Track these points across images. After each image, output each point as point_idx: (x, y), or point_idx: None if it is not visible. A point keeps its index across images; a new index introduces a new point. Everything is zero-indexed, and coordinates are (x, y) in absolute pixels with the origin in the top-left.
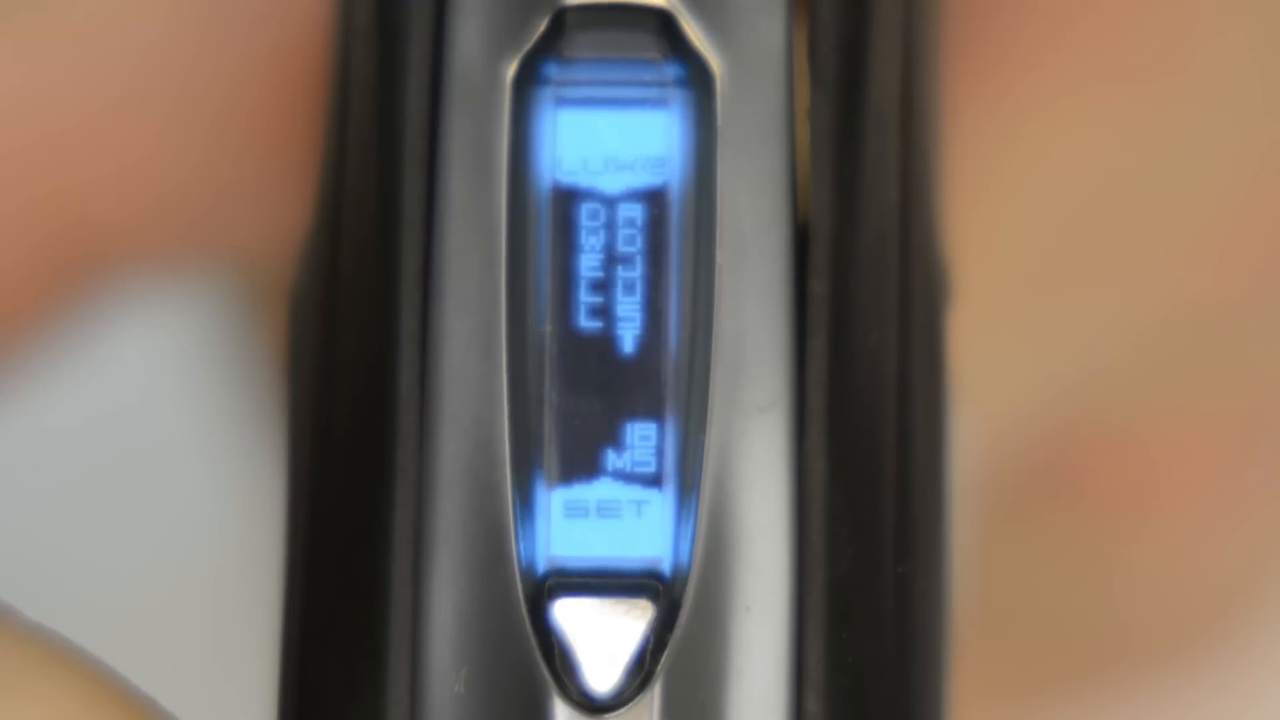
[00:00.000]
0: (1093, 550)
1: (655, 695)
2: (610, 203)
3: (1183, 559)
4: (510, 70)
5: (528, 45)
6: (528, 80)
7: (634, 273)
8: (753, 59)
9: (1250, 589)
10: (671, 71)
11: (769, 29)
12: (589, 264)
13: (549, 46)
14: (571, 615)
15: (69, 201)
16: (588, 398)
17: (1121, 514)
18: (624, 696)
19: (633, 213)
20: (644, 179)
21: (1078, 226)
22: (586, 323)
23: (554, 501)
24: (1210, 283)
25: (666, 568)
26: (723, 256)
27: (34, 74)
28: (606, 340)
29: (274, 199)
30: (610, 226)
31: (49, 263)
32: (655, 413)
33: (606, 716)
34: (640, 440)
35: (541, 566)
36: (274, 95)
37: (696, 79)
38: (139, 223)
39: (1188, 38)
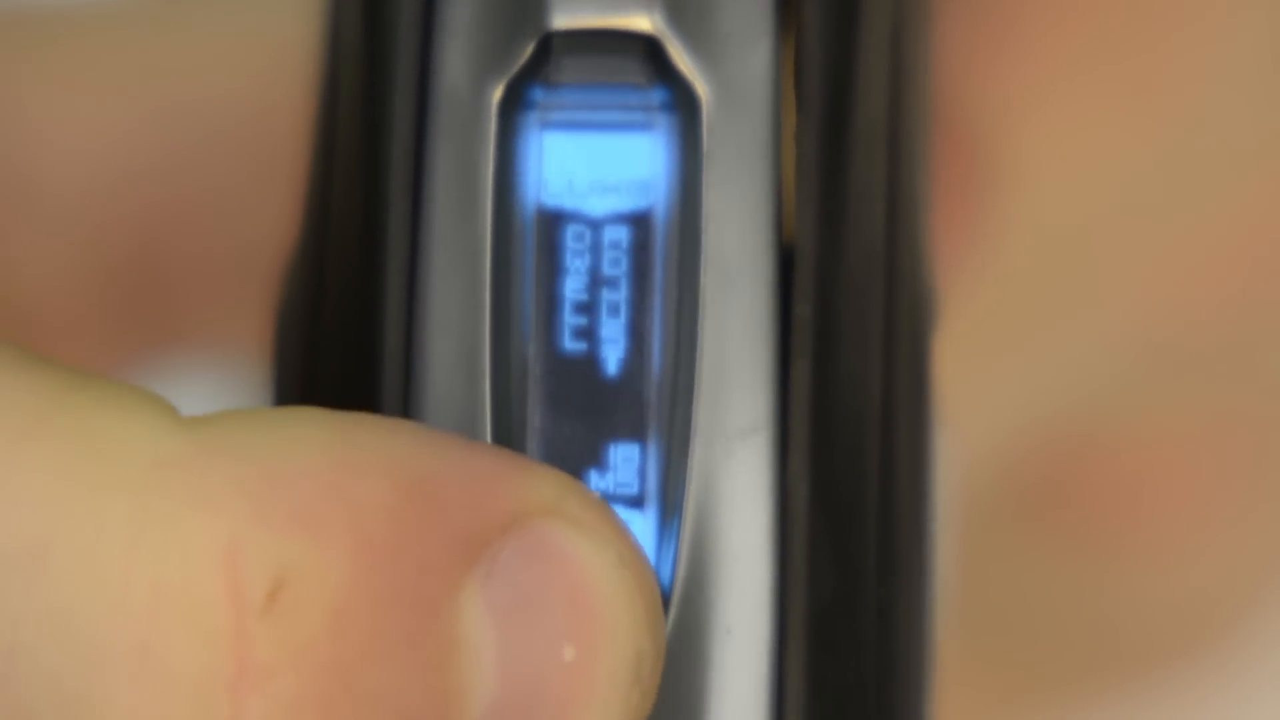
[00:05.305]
0: (1079, 570)
1: None
2: (595, 225)
3: (1168, 577)
4: (496, 94)
5: (514, 69)
6: (514, 104)
7: (618, 295)
8: (739, 84)
9: (1235, 605)
10: (657, 96)
11: (755, 54)
12: (574, 286)
13: (535, 71)
14: None
15: (148, 258)
16: (571, 419)
17: (1107, 533)
18: None
19: (618, 235)
20: (629, 202)
21: (1067, 246)
22: (570, 344)
23: None
24: (1199, 303)
25: None
26: (707, 279)
27: (124, 125)
28: (590, 362)
29: None
30: (595, 249)
31: (123, 320)
32: (638, 435)
33: None
34: (623, 462)
35: None
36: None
37: (682, 104)
38: (206, 286)
39: (1187, 50)
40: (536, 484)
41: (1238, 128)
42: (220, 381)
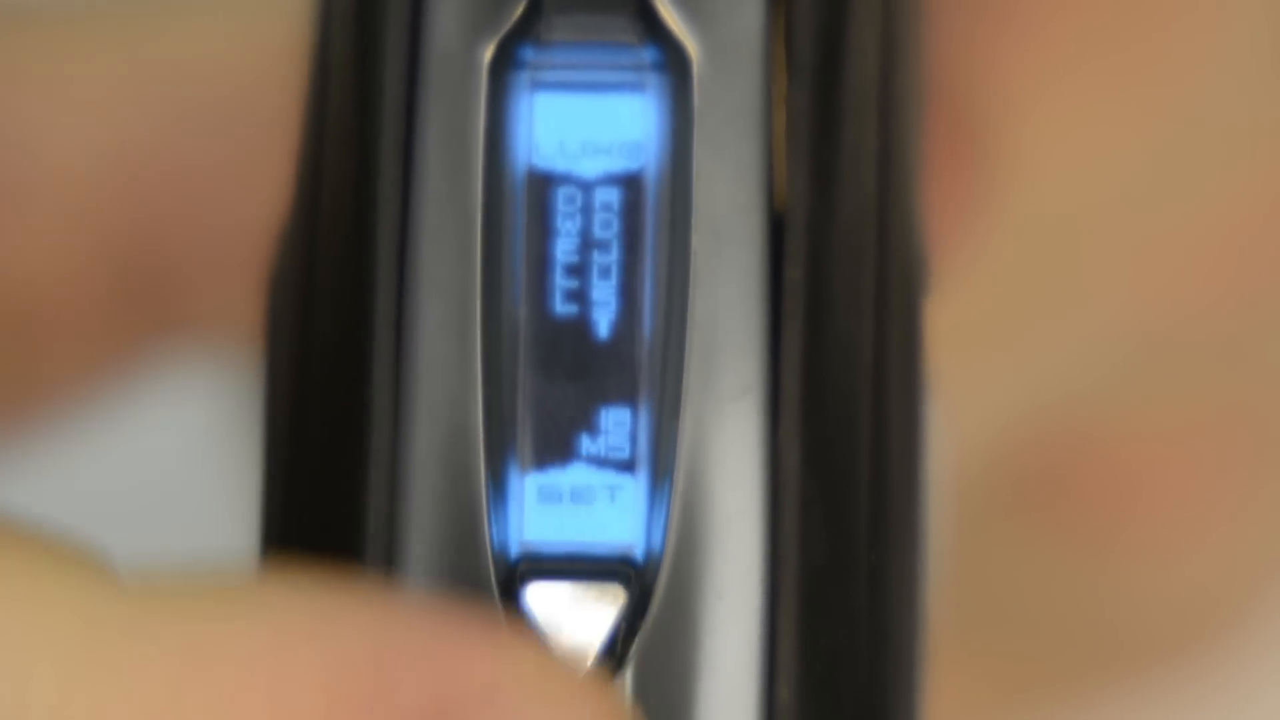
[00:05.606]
0: (1075, 564)
1: (626, 681)
2: (586, 187)
3: (1166, 572)
4: (487, 54)
5: (504, 29)
6: (504, 64)
7: (609, 257)
8: (730, 44)
9: (1233, 599)
10: (648, 56)
11: (746, 14)
12: (564, 248)
13: (526, 30)
14: (543, 600)
15: (147, 244)
16: (562, 382)
17: (1104, 527)
18: None
19: (609, 197)
20: (620, 163)
21: (1062, 236)
22: (561, 307)
23: (527, 486)
24: (1197, 295)
25: (639, 553)
26: (698, 242)
27: (120, 111)
28: (581, 325)
29: None
30: (586, 211)
31: (121, 307)
32: (629, 398)
33: None
34: (614, 425)
35: (514, 551)
36: None
37: (673, 64)
38: (204, 270)
39: (1185, 37)
40: (511, 662)
41: (1236, 116)
42: (220, 365)
